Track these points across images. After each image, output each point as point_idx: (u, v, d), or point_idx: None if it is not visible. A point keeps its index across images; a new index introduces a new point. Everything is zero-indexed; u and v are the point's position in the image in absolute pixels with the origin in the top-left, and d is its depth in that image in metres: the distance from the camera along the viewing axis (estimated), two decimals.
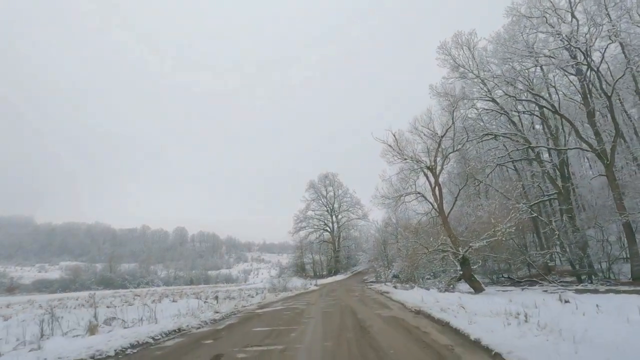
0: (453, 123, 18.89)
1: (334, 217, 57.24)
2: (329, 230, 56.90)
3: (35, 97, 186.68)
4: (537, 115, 21.70)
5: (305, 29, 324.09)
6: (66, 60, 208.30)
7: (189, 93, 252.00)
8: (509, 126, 21.39)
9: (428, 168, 19.20)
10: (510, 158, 22.46)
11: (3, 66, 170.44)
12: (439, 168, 19.49)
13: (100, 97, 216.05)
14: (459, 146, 19.65)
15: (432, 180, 19.45)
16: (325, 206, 57.26)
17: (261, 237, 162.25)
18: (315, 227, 56.52)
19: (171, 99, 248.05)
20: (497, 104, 20.70)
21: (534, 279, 18.44)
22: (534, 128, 24.00)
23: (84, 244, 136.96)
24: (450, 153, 19.76)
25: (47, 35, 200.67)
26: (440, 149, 19.18)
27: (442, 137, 18.93)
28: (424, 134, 20.16)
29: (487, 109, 21.92)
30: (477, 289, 16.72)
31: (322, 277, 50.61)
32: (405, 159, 19.78)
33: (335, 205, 57.31)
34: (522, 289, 16.68)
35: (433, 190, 19.90)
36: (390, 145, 20.02)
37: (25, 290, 68.49)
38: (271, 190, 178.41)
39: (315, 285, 35.47)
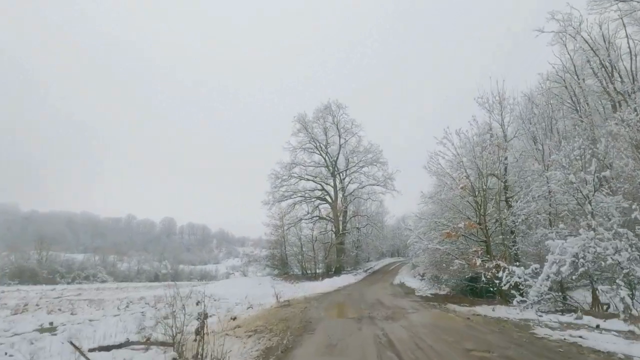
0: None
1: (337, 180, 34.60)
2: (329, 201, 34.33)
3: (27, 89, 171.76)
4: None
5: (305, 29, 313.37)
6: (60, 58, 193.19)
7: (189, 88, 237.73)
8: None
9: None
10: None
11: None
12: None
13: (92, 89, 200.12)
14: None
15: None
16: (326, 162, 34.65)
17: (257, 234, 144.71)
18: (307, 195, 34.10)
19: (173, 93, 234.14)
20: None
21: None
22: None
23: (61, 233, 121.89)
24: None
25: (46, 35, 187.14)
26: None
27: None
28: None
29: None
30: None
31: (313, 278, 28.55)
32: None
33: (340, 163, 34.73)
34: None
35: None
36: None
37: None
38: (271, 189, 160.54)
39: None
